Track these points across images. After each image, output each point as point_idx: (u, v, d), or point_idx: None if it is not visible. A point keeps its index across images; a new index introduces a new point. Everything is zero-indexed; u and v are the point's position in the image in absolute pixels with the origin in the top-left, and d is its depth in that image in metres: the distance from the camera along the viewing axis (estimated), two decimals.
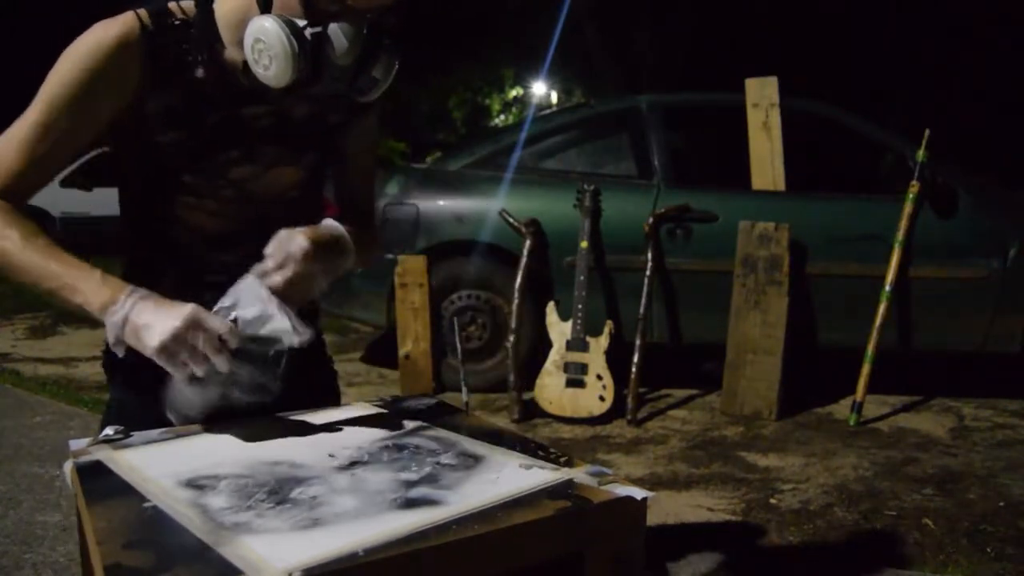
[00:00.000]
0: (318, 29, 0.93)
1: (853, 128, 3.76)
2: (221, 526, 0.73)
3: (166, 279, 1.05)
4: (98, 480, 0.85)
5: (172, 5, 1.03)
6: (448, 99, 17.19)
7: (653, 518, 2.37)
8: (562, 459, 0.93)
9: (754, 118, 3.75)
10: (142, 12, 1.00)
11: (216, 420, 1.05)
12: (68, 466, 0.92)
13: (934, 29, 9.98)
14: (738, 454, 3.01)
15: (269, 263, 0.99)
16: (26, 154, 0.99)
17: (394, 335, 3.74)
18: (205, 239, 1.09)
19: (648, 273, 3.51)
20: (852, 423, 3.37)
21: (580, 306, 3.43)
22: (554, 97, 16.95)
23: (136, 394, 1.09)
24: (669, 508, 2.48)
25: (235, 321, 0.95)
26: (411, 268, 3.63)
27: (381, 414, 1.13)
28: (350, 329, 5.10)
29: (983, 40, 9.86)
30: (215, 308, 0.96)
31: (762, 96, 3.76)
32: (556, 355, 3.44)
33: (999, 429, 3.38)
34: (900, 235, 3.43)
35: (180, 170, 1.05)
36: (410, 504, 0.79)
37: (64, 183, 8.45)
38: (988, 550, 2.21)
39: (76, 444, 0.97)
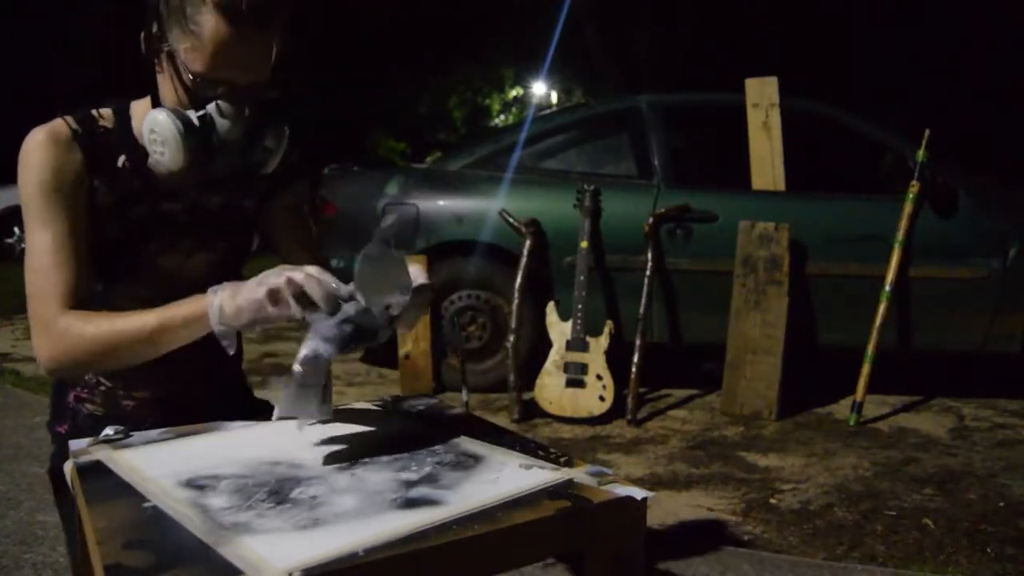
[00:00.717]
0: (203, 112, 1.04)
1: (853, 128, 3.76)
2: (221, 526, 0.73)
3: None
4: (98, 480, 0.85)
5: (95, 112, 1.13)
6: (448, 99, 17.20)
7: (653, 518, 2.37)
8: (562, 459, 0.93)
9: (754, 118, 3.75)
10: (68, 117, 1.10)
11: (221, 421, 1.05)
12: (68, 466, 0.92)
13: (934, 29, 9.98)
14: (738, 454, 3.01)
15: None
16: (63, 261, 1.06)
17: (394, 335, 3.73)
18: None
19: (648, 273, 3.51)
20: (852, 423, 3.37)
21: (580, 306, 3.43)
22: (554, 97, 16.95)
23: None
24: (669, 508, 2.48)
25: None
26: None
27: (381, 414, 1.13)
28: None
29: (983, 40, 9.86)
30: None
31: (762, 96, 3.76)
32: (556, 355, 3.44)
33: (999, 429, 3.38)
34: (900, 235, 3.43)
35: (114, 259, 1.14)
36: (410, 504, 0.79)
37: None
38: (988, 550, 2.21)
39: (76, 444, 0.97)
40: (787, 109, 3.73)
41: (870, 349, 3.42)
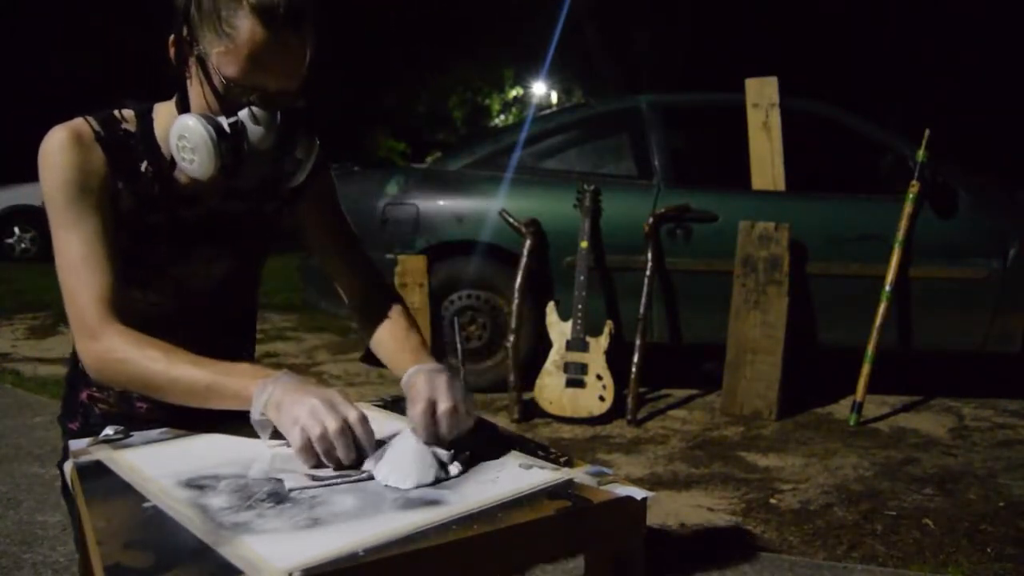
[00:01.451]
0: (234, 119, 1.00)
1: (853, 128, 3.76)
2: (221, 526, 0.73)
3: None
4: (98, 480, 0.85)
5: (116, 113, 1.09)
6: (448, 99, 17.21)
7: (653, 518, 2.37)
8: (562, 459, 0.93)
9: (754, 118, 3.76)
10: (89, 118, 1.06)
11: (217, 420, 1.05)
12: (68, 466, 0.92)
13: (934, 29, 9.98)
14: (738, 454, 3.01)
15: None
16: (95, 262, 1.03)
17: None
18: (147, 324, 1.09)
19: (648, 273, 3.51)
20: (852, 423, 3.37)
21: (580, 306, 3.43)
22: (554, 97, 16.95)
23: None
24: (669, 508, 2.48)
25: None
26: (411, 268, 3.63)
27: (381, 414, 1.13)
28: (350, 329, 5.10)
29: (983, 40, 9.86)
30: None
31: (762, 96, 3.76)
32: (556, 355, 3.44)
33: (999, 429, 3.38)
34: (900, 235, 3.43)
35: (127, 265, 1.09)
36: (410, 504, 0.79)
37: None
38: (988, 550, 2.21)
39: (76, 444, 0.97)
40: (787, 109, 3.73)
41: (870, 349, 3.42)
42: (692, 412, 3.56)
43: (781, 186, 3.69)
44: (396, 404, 1.18)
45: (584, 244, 3.51)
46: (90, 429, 1.12)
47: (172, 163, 1.09)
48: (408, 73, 15.76)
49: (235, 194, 1.16)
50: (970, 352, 3.66)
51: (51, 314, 5.38)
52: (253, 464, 0.90)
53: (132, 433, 1.01)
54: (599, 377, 3.37)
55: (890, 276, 3.41)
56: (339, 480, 0.86)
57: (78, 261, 1.03)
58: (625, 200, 3.68)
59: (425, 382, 0.98)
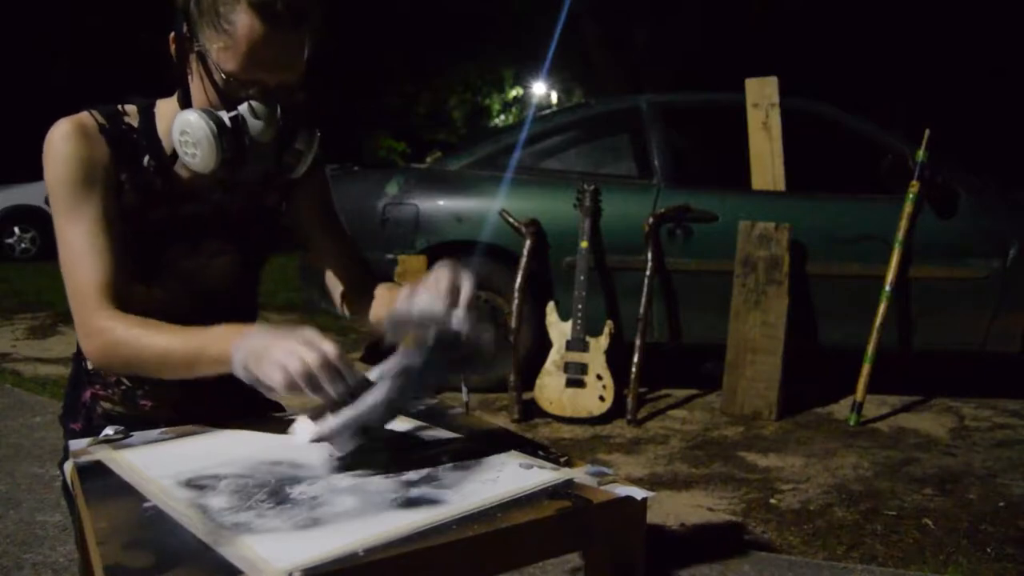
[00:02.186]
0: (235, 113, 1.02)
1: (853, 128, 3.76)
2: (221, 526, 0.73)
3: None
4: (98, 480, 0.85)
5: (120, 107, 1.11)
6: (448, 99, 17.21)
7: (653, 518, 2.37)
8: (562, 459, 0.93)
9: (754, 118, 3.76)
10: (93, 111, 1.08)
11: (219, 422, 1.05)
12: (68, 466, 0.92)
13: (934, 29, 9.98)
14: (738, 454, 3.01)
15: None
16: (98, 255, 1.04)
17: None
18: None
19: (648, 273, 3.51)
20: (852, 423, 3.37)
21: (580, 306, 3.43)
22: (554, 97, 16.95)
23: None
24: (669, 508, 2.48)
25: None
26: (411, 268, 3.63)
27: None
28: (350, 329, 5.10)
29: (983, 40, 9.86)
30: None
31: (762, 96, 3.76)
32: (556, 355, 3.44)
33: (999, 429, 3.38)
34: (900, 235, 3.43)
35: (132, 260, 1.10)
36: (410, 504, 0.79)
37: None
38: (988, 550, 2.21)
39: (76, 444, 0.97)
40: (787, 109, 3.73)
41: (870, 349, 3.42)
42: (692, 412, 3.56)
43: (781, 186, 3.69)
44: None
45: (584, 244, 3.51)
46: (92, 429, 1.12)
47: (174, 157, 1.10)
48: (408, 73, 15.76)
49: (237, 188, 1.17)
50: (970, 352, 3.66)
51: (51, 314, 5.37)
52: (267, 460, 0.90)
53: (132, 433, 1.01)
54: (599, 377, 3.37)
55: (890, 276, 3.41)
56: (353, 411, 0.86)
57: (81, 251, 1.04)
58: (625, 200, 3.68)
59: (452, 268, 0.99)
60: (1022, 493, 2.64)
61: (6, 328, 5.20)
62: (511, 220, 3.60)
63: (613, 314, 3.63)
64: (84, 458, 0.92)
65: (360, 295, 1.24)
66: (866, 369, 3.40)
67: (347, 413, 0.86)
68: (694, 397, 3.79)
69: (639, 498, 0.82)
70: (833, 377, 3.92)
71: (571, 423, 3.37)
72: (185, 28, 1.03)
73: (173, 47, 1.06)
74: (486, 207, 3.71)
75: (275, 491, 0.82)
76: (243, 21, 0.98)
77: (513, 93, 18.02)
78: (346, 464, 0.90)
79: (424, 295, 0.94)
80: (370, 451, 0.92)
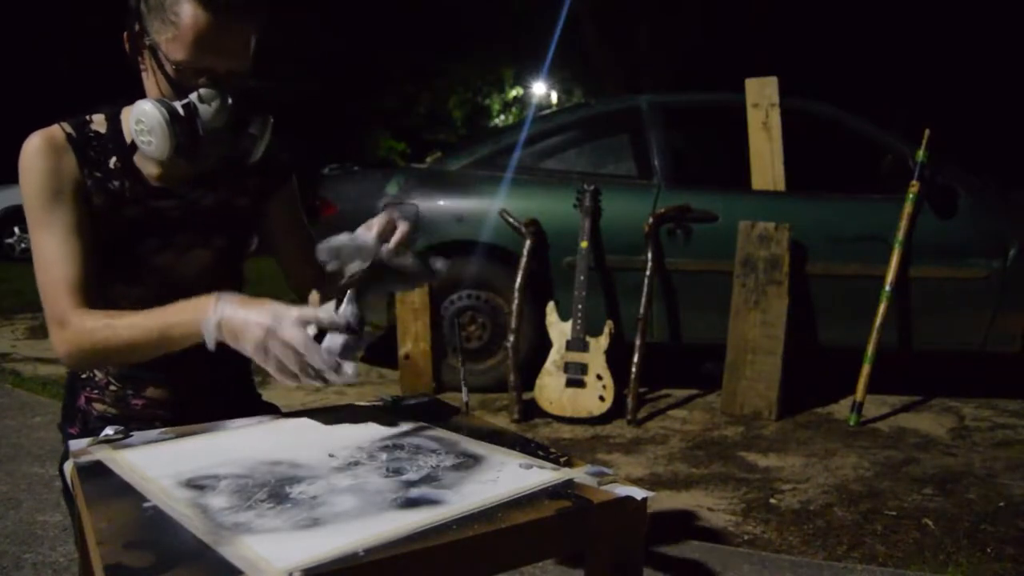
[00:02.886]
0: (186, 101, 1.07)
1: (853, 128, 3.76)
2: (221, 526, 0.73)
3: None
4: (98, 480, 0.85)
5: (88, 117, 1.18)
6: (448, 99, 17.20)
7: (653, 518, 2.37)
8: (562, 459, 0.93)
9: (754, 118, 3.75)
10: (63, 123, 1.14)
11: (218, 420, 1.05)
12: (68, 466, 0.92)
13: (934, 29, 9.98)
14: (738, 454, 3.01)
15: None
16: (68, 260, 1.10)
17: (394, 335, 3.74)
18: None
19: (648, 273, 3.51)
20: (852, 423, 3.37)
21: (580, 306, 3.43)
22: (554, 97, 16.94)
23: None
24: (669, 508, 2.48)
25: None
26: None
27: (381, 414, 1.13)
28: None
29: (983, 40, 9.86)
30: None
31: (762, 96, 3.76)
32: (556, 355, 3.44)
33: (999, 429, 3.38)
34: (900, 235, 3.43)
35: (111, 261, 1.16)
36: (410, 504, 0.79)
37: None
38: (988, 550, 2.21)
39: (76, 444, 0.97)
40: (787, 109, 3.73)
41: (870, 349, 3.42)
42: (692, 412, 3.56)
43: (781, 186, 3.69)
44: (396, 404, 1.18)
45: (584, 244, 3.51)
46: (89, 432, 1.13)
47: (133, 147, 1.15)
48: (408, 73, 15.75)
49: (204, 184, 1.22)
50: (970, 352, 3.66)
51: None
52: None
53: (132, 433, 1.01)
54: (599, 377, 3.37)
55: (890, 276, 3.41)
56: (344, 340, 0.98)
57: (51, 258, 1.10)
58: (625, 200, 3.68)
59: (391, 212, 1.03)
60: (1022, 493, 2.64)
61: (6, 328, 5.20)
62: (511, 220, 3.60)
63: (613, 314, 3.63)
64: (84, 458, 0.92)
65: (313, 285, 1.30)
66: (866, 369, 3.40)
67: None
68: (694, 397, 3.79)
69: (639, 498, 0.82)
70: (833, 377, 3.92)
71: (571, 423, 3.37)
72: (137, 26, 1.09)
73: (127, 45, 1.12)
74: (486, 207, 3.71)
75: (275, 491, 0.82)
76: (187, 11, 1.03)
77: (513, 93, 18.00)
78: (346, 464, 0.90)
79: (360, 230, 1.01)
80: (370, 451, 0.92)
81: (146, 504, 0.78)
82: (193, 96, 1.07)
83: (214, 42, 1.05)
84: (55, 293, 1.09)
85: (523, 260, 3.53)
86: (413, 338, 3.67)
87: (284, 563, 0.65)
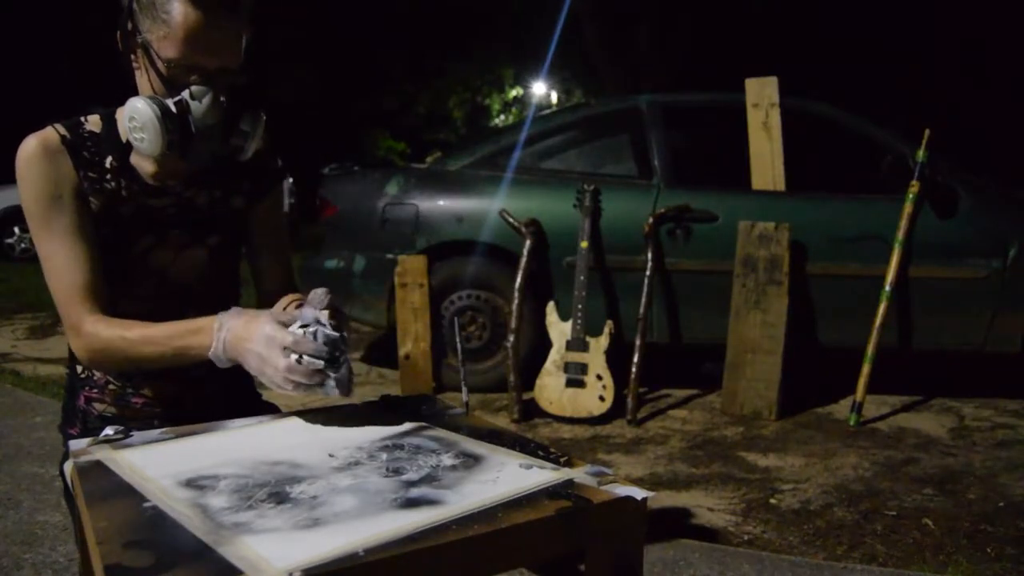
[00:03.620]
0: (178, 98, 1.08)
1: (853, 128, 3.76)
2: (221, 526, 0.73)
3: None
4: (98, 480, 0.85)
5: (83, 118, 1.19)
6: (448, 99, 17.19)
7: (653, 518, 2.37)
8: (562, 459, 0.93)
9: (754, 118, 3.75)
10: (57, 125, 1.15)
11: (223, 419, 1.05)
12: (68, 466, 0.92)
13: (935, 29, 9.98)
14: (738, 454, 3.01)
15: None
16: (76, 263, 1.12)
17: (394, 335, 3.74)
18: (135, 317, 1.16)
19: (648, 273, 3.51)
20: (852, 423, 3.37)
21: (580, 306, 3.43)
22: (554, 97, 16.94)
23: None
24: (669, 508, 2.48)
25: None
26: (411, 268, 3.63)
27: (381, 414, 1.13)
28: (350, 329, 5.10)
29: (983, 40, 9.86)
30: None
31: (762, 96, 3.76)
32: (556, 355, 3.44)
33: (999, 429, 3.38)
34: (900, 235, 3.43)
35: (109, 260, 1.18)
36: (410, 504, 0.79)
37: None
38: (988, 550, 2.21)
39: (76, 444, 0.97)
40: (787, 109, 3.73)
41: (870, 349, 3.42)
42: (692, 412, 3.56)
43: (781, 186, 3.69)
44: (396, 404, 1.18)
45: (584, 244, 3.51)
46: (89, 432, 1.14)
47: (129, 146, 1.16)
48: (408, 73, 15.75)
49: (198, 183, 1.23)
50: (970, 352, 3.66)
51: (51, 314, 5.36)
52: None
53: (132, 433, 1.01)
54: (599, 377, 3.37)
55: (890, 276, 3.41)
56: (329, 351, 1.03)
57: (59, 265, 1.12)
58: (625, 200, 3.68)
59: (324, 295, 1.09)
60: (1022, 493, 2.64)
61: (6, 328, 5.20)
62: (511, 220, 3.60)
63: (613, 314, 3.63)
64: (84, 458, 0.92)
65: (277, 293, 1.33)
66: (866, 369, 3.40)
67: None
68: (694, 397, 3.79)
69: (639, 498, 0.82)
70: (833, 377, 3.92)
71: (571, 423, 3.37)
72: (129, 25, 1.10)
73: (120, 44, 1.13)
74: (486, 207, 3.71)
75: (275, 491, 0.82)
76: (178, 9, 1.05)
77: (513, 93, 18.00)
78: (346, 464, 0.90)
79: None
80: (370, 451, 0.92)
81: (146, 504, 0.78)
82: (185, 93, 1.09)
83: (205, 40, 1.07)
84: (67, 301, 1.12)
85: (523, 260, 3.53)
86: (413, 338, 3.67)
87: (284, 563, 0.65)
